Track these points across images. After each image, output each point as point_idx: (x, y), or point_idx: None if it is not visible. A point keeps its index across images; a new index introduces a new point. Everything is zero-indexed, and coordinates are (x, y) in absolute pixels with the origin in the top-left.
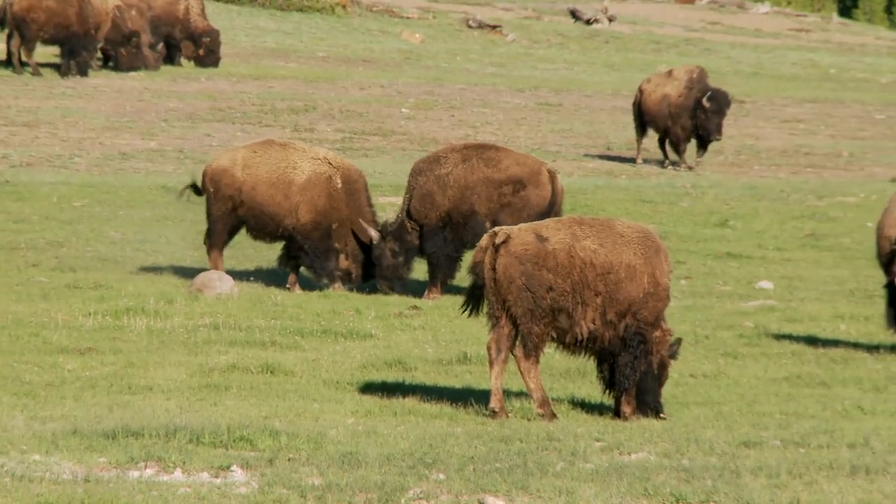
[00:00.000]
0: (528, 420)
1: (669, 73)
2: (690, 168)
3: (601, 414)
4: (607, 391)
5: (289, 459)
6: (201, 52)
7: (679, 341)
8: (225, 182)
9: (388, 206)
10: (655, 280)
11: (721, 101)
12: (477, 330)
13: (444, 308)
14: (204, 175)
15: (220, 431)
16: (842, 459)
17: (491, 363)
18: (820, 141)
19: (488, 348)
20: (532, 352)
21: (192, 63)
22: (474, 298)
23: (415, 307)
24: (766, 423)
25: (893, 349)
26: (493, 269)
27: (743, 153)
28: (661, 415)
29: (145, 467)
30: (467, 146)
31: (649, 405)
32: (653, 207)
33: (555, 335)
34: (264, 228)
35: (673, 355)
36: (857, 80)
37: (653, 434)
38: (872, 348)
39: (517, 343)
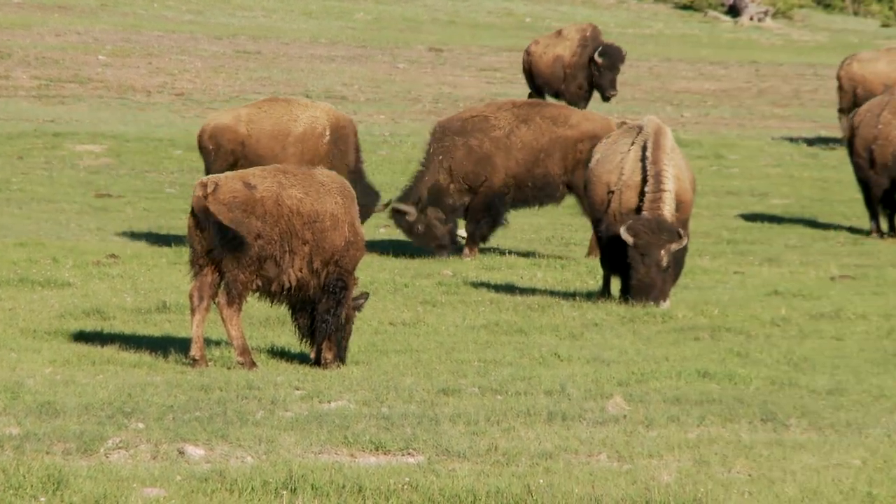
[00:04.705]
0: (229, 368)
1: (559, 32)
2: None
3: (301, 363)
4: (305, 340)
5: None
6: None
7: (366, 295)
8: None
9: (85, 153)
10: (355, 229)
11: (614, 56)
12: (176, 279)
13: (143, 257)
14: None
15: None
16: (539, 406)
17: (192, 311)
18: (517, 90)
19: (190, 296)
20: (236, 299)
21: None
22: None
23: (113, 255)
24: (465, 371)
25: (589, 296)
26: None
27: (441, 101)
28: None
29: None
30: (516, 104)
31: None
32: None
33: (260, 283)
34: None
35: (358, 307)
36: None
37: (352, 382)
38: (569, 296)
39: (220, 290)
